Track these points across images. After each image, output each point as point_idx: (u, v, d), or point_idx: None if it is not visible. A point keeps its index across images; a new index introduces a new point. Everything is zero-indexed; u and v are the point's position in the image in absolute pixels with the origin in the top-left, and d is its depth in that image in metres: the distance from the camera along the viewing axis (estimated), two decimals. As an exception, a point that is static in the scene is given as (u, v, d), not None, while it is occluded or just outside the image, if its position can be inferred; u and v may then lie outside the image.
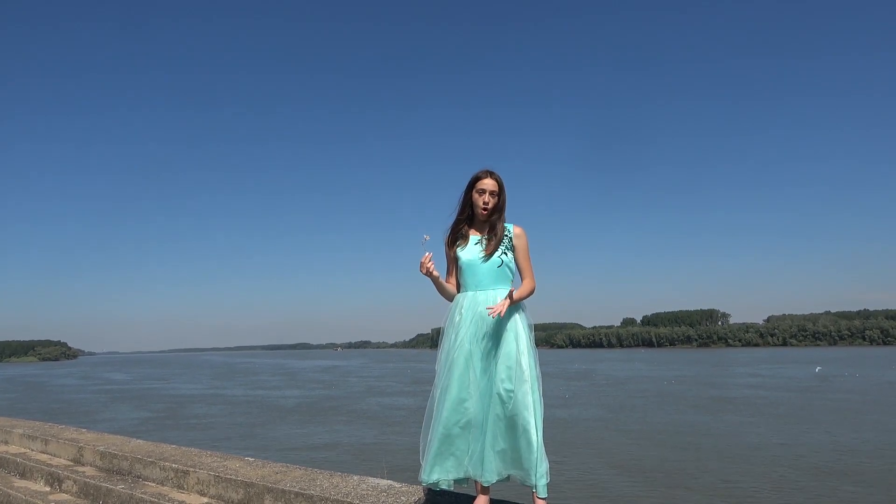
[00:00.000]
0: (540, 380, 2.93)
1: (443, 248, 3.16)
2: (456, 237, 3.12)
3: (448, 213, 3.17)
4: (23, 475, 5.81)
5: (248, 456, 4.85)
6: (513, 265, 3.06)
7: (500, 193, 3.05)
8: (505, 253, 3.03)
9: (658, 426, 23.62)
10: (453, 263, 3.13)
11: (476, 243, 3.07)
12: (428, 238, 3.02)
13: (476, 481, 2.90)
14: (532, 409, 2.82)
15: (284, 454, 18.32)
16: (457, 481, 2.93)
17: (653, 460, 17.07)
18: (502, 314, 2.81)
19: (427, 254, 2.98)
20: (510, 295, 2.85)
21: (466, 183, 3.11)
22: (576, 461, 16.98)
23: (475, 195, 3.06)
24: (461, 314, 2.99)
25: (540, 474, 2.76)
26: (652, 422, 24.97)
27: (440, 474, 2.86)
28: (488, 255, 3.01)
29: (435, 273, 3.03)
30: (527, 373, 2.86)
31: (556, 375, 57.21)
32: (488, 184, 3.04)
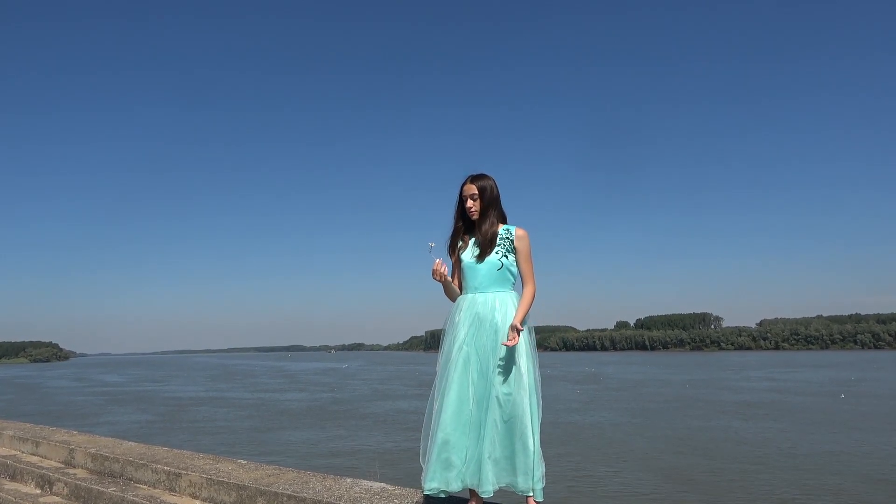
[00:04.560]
0: (539, 383, 2.92)
1: (448, 253, 3.21)
2: (455, 245, 3.16)
3: (445, 213, 3.23)
4: (13, 477, 5.76)
5: (256, 460, 4.83)
6: (514, 268, 3.05)
7: (481, 195, 3.06)
8: (506, 255, 3.03)
9: (691, 432, 22.91)
10: (457, 267, 3.17)
11: (474, 246, 3.10)
12: (434, 245, 3.05)
13: (472, 491, 2.90)
14: (530, 412, 2.82)
15: (302, 459, 18.10)
16: (454, 490, 2.92)
17: (698, 469, 16.58)
18: (516, 342, 2.84)
19: (437, 260, 2.99)
20: (514, 327, 2.86)
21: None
22: (614, 470, 16.69)
23: (466, 203, 3.10)
24: (460, 316, 3.01)
25: (537, 478, 2.78)
26: (684, 427, 24.26)
27: (439, 483, 2.86)
28: (481, 258, 3.02)
29: (448, 278, 3.07)
30: (525, 376, 2.86)
31: (564, 378, 56.84)
32: (467, 189, 3.08)
